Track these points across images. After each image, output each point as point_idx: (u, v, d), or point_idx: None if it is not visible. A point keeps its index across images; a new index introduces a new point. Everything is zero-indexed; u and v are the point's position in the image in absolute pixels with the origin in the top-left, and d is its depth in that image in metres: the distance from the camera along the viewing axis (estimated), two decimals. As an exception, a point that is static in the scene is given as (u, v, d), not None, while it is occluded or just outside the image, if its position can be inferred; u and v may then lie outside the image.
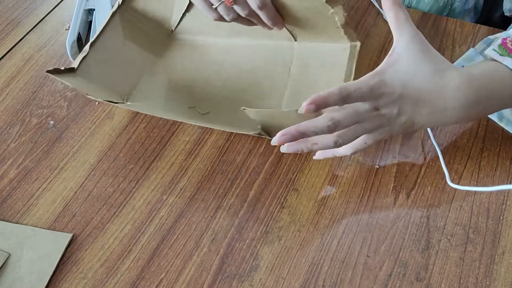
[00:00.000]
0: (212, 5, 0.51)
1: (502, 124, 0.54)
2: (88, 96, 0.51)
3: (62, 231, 0.47)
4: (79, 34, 0.61)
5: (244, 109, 0.46)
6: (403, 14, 0.46)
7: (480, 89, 0.44)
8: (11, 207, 0.49)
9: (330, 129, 0.42)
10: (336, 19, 0.46)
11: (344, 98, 0.41)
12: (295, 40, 0.57)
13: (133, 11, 0.59)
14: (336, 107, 0.43)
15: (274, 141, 0.43)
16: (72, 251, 0.46)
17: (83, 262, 0.45)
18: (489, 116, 0.54)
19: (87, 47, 0.53)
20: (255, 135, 0.48)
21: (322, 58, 0.55)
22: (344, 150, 0.46)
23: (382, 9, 0.66)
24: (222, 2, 0.49)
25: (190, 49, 0.61)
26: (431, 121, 0.45)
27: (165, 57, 0.60)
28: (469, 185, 0.50)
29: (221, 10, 0.51)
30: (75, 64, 0.52)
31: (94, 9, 0.64)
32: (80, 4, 0.64)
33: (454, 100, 0.44)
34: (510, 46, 0.46)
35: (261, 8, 0.49)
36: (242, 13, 0.50)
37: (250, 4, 0.49)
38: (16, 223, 0.48)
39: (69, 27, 0.62)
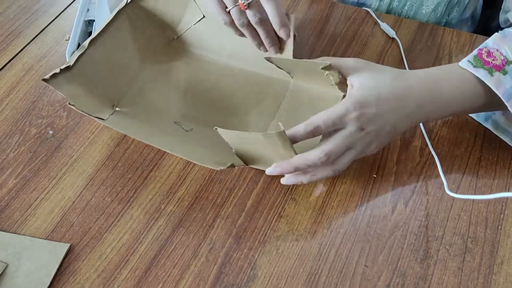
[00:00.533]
0: (226, 8, 0.52)
1: (497, 133, 0.54)
2: (71, 106, 0.49)
3: (59, 241, 0.47)
4: (79, 44, 0.61)
5: (216, 128, 0.46)
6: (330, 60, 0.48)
7: (437, 78, 0.47)
8: (9, 217, 0.49)
9: (322, 162, 0.44)
10: (331, 78, 0.47)
11: (331, 126, 0.44)
12: (292, 77, 0.57)
13: (140, 10, 0.59)
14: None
15: (269, 171, 0.45)
16: (70, 261, 0.46)
17: (80, 272, 0.45)
18: (484, 124, 0.55)
19: (86, 43, 0.53)
20: (228, 167, 0.47)
21: (314, 102, 0.55)
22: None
23: (379, 19, 0.66)
24: (236, 5, 0.51)
25: (188, 61, 0.61)
26: (413, 121, 0.47)
27: (162, 64, 0.60)
28: (467, 194, 0.50)
29: (233, 13, 0.52)
30: (71, 62, 0.51)
31: (94, 20, 0.64)
32: (80, 15, 0.64)
33: (420, 97, 0.46)
34: (485, 57, 0.47)
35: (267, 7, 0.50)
36: (253, 20, 0.52)
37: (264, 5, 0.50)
38: (14, 233, 0.48)
39: (69, 37, 0.62)
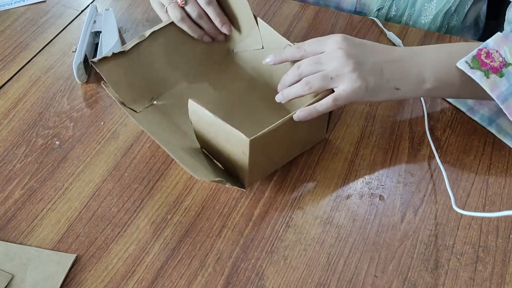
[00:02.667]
0: (164, 6, 0.55)
1: (500, 136, 0.53)
2: (105, 85, 0.51)
3: (66, 252, 0.47)
4: (85, 56, 0.62)
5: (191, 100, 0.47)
6: None
7: (419, 50, 0.50)
8: (16, 228, 0.49)
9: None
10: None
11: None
12: None
13: None
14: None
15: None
16: (76, 272, 0.45)
17: (87, 283, 0.45)
18: (488, 128, 0.54)
19: (147, 32, 0.54)
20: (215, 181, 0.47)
21: None
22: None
23: (385, 28, 0.66)
24: (173, 2, 0.53)
25: (239, 77, 0.59)
26: (393, 71, 0.48)
27: (214, 71, 0.60)
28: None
29: (170, 10, 0.54)
30: (127, 47, 0.53)
31: (100, 32, 0.65)
32: (87, 27, 0.65)
33: (402, 54, 0.49)
34: (483, 58, 0.47)
35: (208, 3, 0.54)
36: (193, 14, 0.54)
37: (199, 1, 0.53)
38: (20, 244, 0.47)
39: (76, 49, 0.63)
